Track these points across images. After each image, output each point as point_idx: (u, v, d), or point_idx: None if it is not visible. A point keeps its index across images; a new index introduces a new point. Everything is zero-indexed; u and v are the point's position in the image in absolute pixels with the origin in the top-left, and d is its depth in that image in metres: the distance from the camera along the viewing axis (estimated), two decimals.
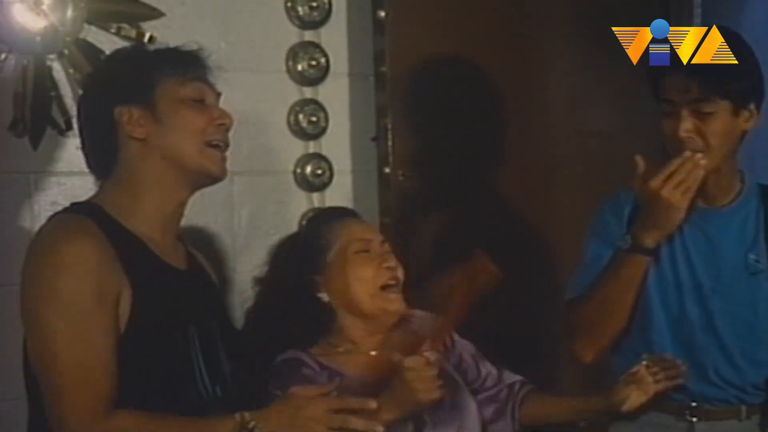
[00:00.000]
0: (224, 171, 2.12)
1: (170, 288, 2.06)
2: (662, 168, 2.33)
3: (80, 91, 2.31)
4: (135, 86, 2.07)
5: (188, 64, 2.12)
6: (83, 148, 2.14)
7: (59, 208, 2.57)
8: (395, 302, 2.29)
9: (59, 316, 1.92)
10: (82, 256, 1.93)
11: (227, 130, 2.13)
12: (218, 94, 2.16)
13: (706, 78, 2.28)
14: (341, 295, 2.30)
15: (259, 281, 2.43)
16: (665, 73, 2.34)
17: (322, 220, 2.46)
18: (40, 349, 1.95)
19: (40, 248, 2.00)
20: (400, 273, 2.32)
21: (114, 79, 2.12)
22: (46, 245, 1.99)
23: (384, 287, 2.29)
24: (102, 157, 2.10)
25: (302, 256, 2.35)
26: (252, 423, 1.94)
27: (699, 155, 2.31)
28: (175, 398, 2.02)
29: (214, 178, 2.12)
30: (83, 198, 2.60)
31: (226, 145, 2.13)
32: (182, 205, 2.13)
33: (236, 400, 2.12)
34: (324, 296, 2.30)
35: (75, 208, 2.09)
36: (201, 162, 2.07)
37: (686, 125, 2.32)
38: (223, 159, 2.12)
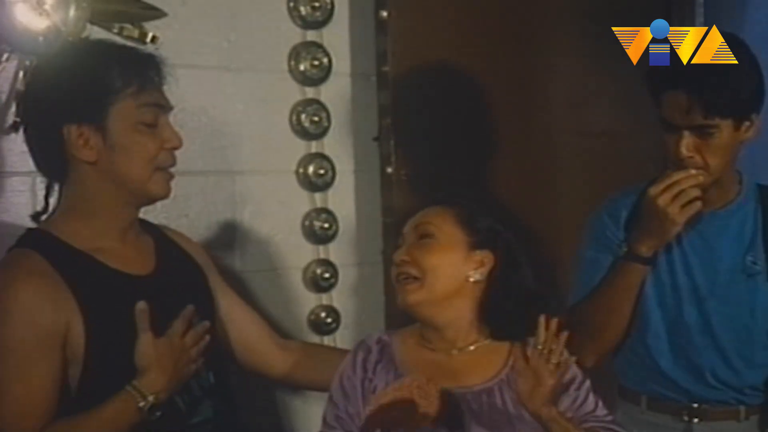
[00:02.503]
0: (169, 192, 2.12)
1: (131, 299, 2.02)
2: (664, 177, 2.33)
3: (24, 102, 2.25)
4: (88, 105, 2.01)
5: (145, 76, 2.05)
6: (35, 162, 2.13)
7: None
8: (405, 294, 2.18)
9: (4, 358, 1.96)
10: (21, 305, 1.96)
11: (175, 152, 2.12)
12: (170, 108, 2.13)
13: (709, 100, 2.25)
14: None
15: None
16: (666, 90, 2.32)
17: None
18: None
19: None
20: (409, 267, 2.16)
21: (65, 94, 2.02)
22: None
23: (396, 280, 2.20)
24: (50, 170, 2.10)
25: None
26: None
27: (700, 172, 2.31)
28: None
29: (158, 200, 2.14)
30: None
31: (173, 166, 2.12)
32: (134, 218, 2.14)
33: (215, 392, 2.15)
34: None
35: (24, 240, 2.08)
36: (149, 187, 2.07)
37: (687, 145, 2.31)
38: (170, 179, 2.12)
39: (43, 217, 2.15)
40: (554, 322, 2.12)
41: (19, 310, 1.96)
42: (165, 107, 2.10)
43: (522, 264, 2.22)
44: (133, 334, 2.00)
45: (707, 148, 2.31)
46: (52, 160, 2.08)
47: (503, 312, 2.18)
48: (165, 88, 2.13)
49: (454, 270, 2.17)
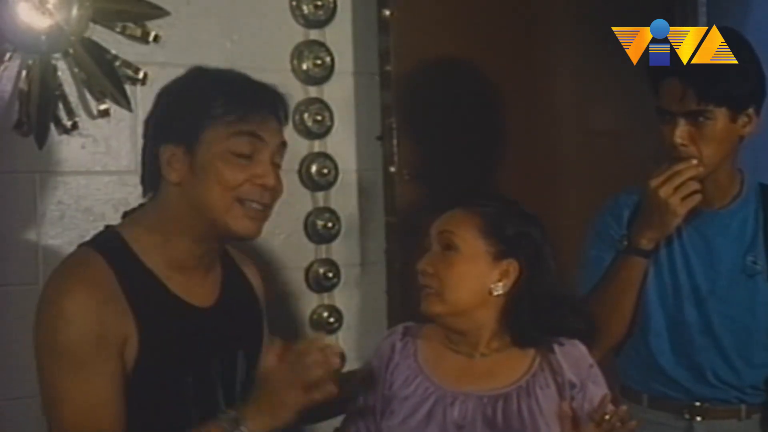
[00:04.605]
0: (254, 231, 1.99)
1: (186, 330, 1.99)
2: (665, 168, 2.33)
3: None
4: (182, 126, 1.96)
5: (253, 108, 1.97)
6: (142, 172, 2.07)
7: (65, 207, 2.61)
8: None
9: (60, 367, 1.88)
10: (82, 307, 1.88)
11: (270, 192, 1.99)
12: (282, 144, 2.03)
13: (703, 86, 2.27)
14: None
15: None
16: (663, 78, 2.33)
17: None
18: (45, 394, 1.92)
19: (47, 295, 1.93)
20: (431, 280, 2.15)
21: (169, 113, 2.00)
22: (51, 294, 1.93)
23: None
24: (147, 183, 2.05)
25: None
26: (238, 419, 1.89)
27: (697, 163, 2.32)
28: None
29: (240, 238, 2.02)
30: (88, 198, 2.63)
31: (265, 207, 1.99)
32: (211, 250, 2.05)
33: None
34: None
35: (97, 240, 2.01)
36: (227, 220, 1.96)
37: (681, 132, 2.32)
38: (256, 218, 1.98)
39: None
40: (623, 410, 2.08)
41: (82, 314, 1.87)
42: (267, 142, 1.98)
43: (549, 269, 2.18)
44: (181, 365, 1.97)
45: (701, 137, 2.32)
46: (147, 172, 2.03)
47: (527, 320, 2.14)
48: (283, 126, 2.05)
49: (476, 284, 2.13)
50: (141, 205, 2.08)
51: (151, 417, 1.94)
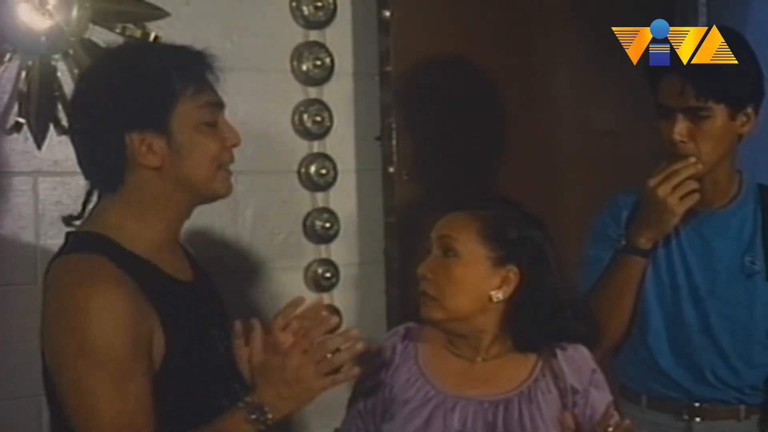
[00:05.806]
0: (231, 189, 2.04)
1: (189, 306, 1.98)
2: (663, 167, 2.33)
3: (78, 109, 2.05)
4: (149, 111, 1.92)
5: (201, 76, 1.97)
6: (80, 164, 2.00)
7: (63, 208, 2.59)
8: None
9: (97, 372, 1.83)
10: (113, 309, 1.83)
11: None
12: (224, 106, 2.03)
13: (702, 82, 2.27)
14: None
15: None
16: (662, 75, 2.34)
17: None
18: (77, 404, 1.86)
19: (65, 300, 1.87)
20: (430, 287, 2.13)
21: (124, 101, 1.93)
22: (73, 302, 1.85)
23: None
24: (106, 178, 1.98)
25: None
26: (263, 406, 1.88)
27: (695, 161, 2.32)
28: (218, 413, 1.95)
29: (221, 198, 2.05)
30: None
31: (233, 162, 2.04)
32: (184, 222, 2.06)
33: None
34: None
35: (84, 244, 1.93)
36: (213, 186, 1.98)
37: (679, 129, 2.31)
38: (230, 176, 2.03)
39: (77, 222, 2.02)
40: (627, 423, 2.07)
41: (115, 315, 1.83)
42: (221, 105, 2.02)
43: (551, 272, 2.15)
44: (203, 344, 1.96)
45: (700, 133, 2.31)
46: (109, 167, 1.96)
47: (528, 325, 2.12)
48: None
49: (476, 290, 2.11)
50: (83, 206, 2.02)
51: (185, 402, 1.91)
